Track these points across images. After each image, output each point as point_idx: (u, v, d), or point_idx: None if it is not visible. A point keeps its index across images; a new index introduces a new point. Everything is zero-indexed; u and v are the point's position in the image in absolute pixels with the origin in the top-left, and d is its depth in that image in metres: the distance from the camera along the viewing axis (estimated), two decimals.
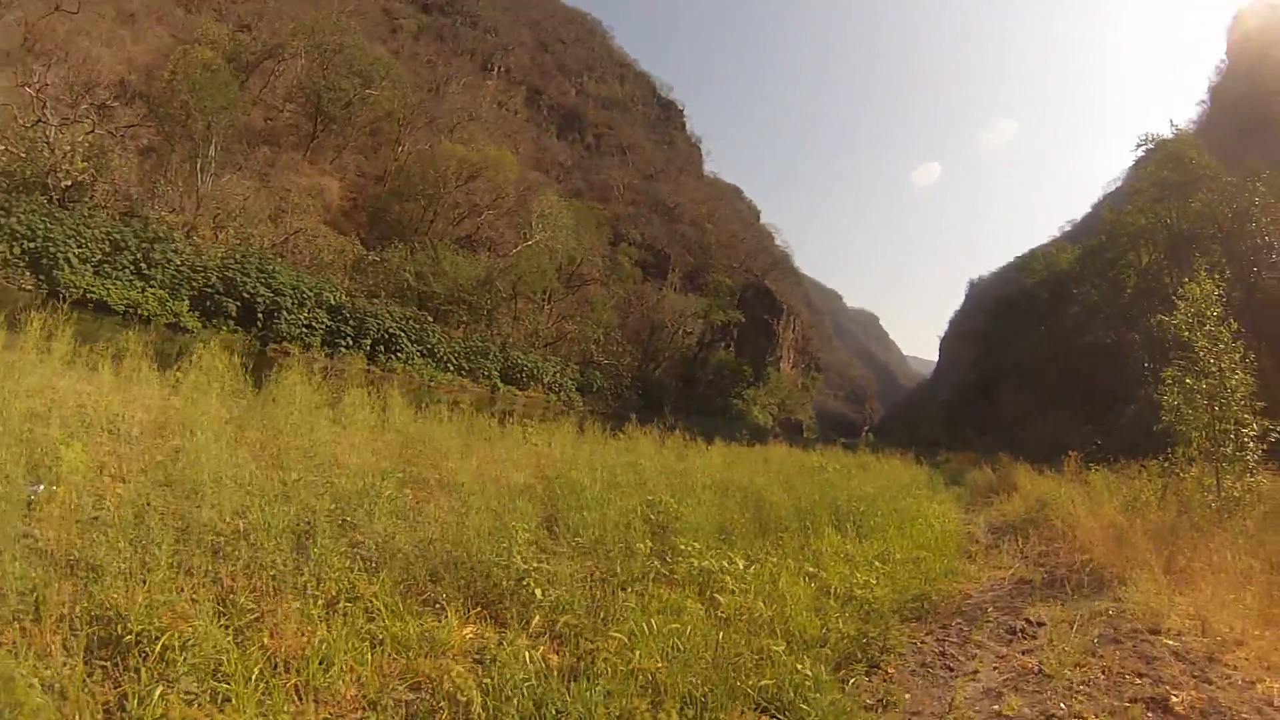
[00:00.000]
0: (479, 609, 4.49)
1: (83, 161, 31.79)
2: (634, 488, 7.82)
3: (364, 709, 3.32)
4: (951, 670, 5.11)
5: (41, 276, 29.86)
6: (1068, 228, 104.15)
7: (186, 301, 33.66)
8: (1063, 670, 4.77)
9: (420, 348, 43.46)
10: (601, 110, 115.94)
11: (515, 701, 3.43)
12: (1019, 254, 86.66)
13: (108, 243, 31.66)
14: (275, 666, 3.34)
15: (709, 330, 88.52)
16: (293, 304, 36.66)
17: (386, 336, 41.20)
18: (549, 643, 4.19)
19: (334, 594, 4.11)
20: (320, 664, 3.43)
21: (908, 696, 4.55)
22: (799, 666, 4.06)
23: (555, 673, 3.72)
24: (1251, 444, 8.60)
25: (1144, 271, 38.93)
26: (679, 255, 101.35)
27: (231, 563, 4.12)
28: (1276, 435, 9.11)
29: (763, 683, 3.98)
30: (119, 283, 31.96)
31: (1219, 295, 9.21)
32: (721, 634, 4.37)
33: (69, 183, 31.55)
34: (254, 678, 3.14)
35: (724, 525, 7.38)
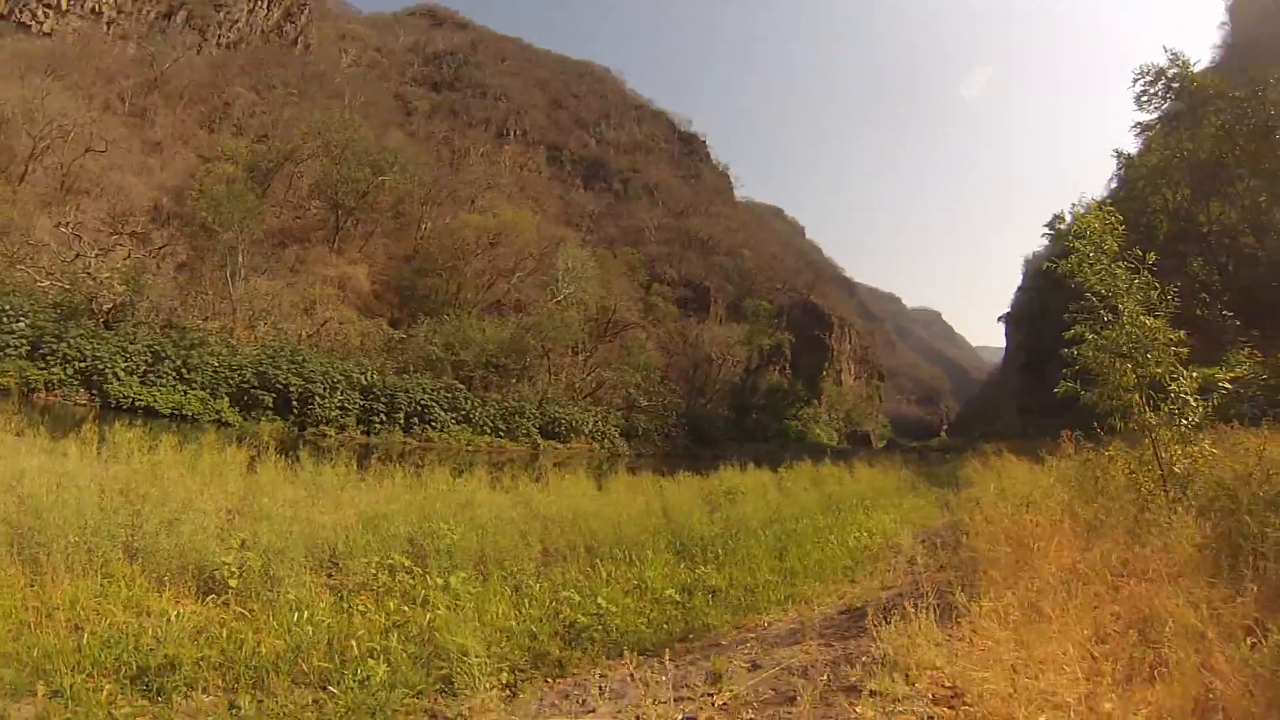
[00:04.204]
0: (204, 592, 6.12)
1: (120, 285, 34.58)
2: (428, 519, 8.69)
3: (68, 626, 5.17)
4: None
5: (94, 391, 32.62)
6: (1114, 184, 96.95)
7: (226, 399, 35.89)
8: None
9: (455, 415, 44.68)
10: (624, 155, 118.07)
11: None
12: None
13: (150, 354, 34.31)
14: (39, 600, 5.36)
15: (756, 356, 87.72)
16: (324, 389, 38.48)
17: (420, 409, 42.58)
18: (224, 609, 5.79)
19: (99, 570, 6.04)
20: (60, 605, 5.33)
21: None
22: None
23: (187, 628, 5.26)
24: (1192, 401, 7.28)
25: (1174, 214, 35.81)
26: (719, 286, 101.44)
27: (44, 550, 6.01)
28: (1227, 389, 7.83)
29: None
30: (163, 389, 34.41)
31: (1117, 224, 8.08)
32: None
33: (110, 305, 34.31)
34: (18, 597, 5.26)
35: (485, 553, 7.83)
